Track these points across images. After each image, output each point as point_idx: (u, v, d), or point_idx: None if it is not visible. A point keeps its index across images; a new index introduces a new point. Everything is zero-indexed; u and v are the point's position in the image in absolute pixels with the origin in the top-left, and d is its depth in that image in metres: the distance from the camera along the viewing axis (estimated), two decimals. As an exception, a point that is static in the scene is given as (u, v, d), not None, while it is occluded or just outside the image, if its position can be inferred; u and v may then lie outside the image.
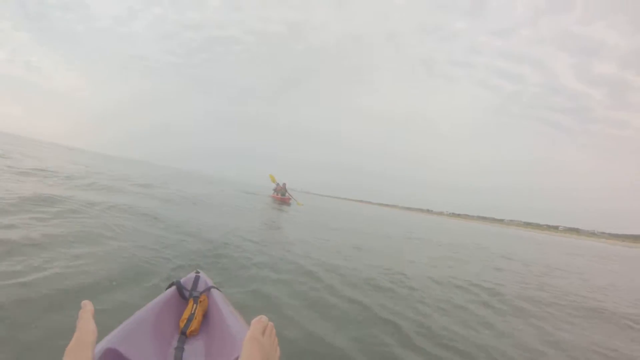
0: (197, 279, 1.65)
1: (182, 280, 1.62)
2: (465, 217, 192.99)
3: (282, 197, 16.70)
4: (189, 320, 1.43)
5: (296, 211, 12.87)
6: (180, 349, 1.30)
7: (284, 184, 17.34)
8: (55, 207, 4.22)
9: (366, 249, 6.06)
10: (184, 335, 1.38)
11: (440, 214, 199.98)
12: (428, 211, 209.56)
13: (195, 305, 1.49)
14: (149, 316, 1.29)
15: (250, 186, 37.08)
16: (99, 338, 0.89)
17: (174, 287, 1.55)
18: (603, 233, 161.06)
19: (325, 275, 3.60)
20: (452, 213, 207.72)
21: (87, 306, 0.83)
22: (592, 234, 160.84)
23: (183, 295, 1.55)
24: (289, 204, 15.90)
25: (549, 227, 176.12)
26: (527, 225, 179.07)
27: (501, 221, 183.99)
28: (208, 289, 1.59)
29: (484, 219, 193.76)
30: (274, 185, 17.78)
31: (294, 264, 3.87)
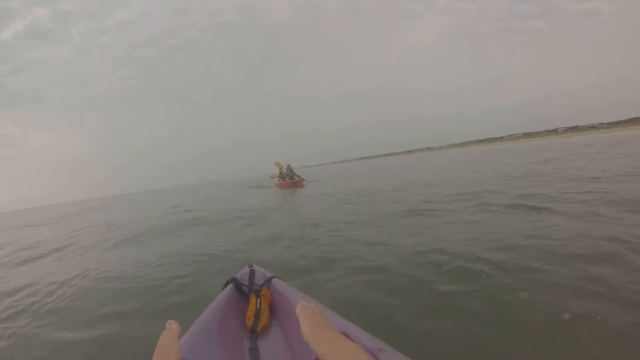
0: (252, 272, 1.56)
1: (237, 276, 1.53)
2: (465, 144, 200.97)
3: (292, 181, 15.31)
4: (256, 316, 1.33)
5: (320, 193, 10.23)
6: (254, 349, 1.21)
7: (288, 166, 16.03)
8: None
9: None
10: (255, 334, 1.29)
11: (440, 147, 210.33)
12: (428, 149, 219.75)
13: (258, 299, 1.39)
14: (214, 319, 1.21)
15: (243, 179, 36.55)
16: None
17: (231, 285, 1.47)
18: (601, 124, 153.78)
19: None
20: (452, 144, 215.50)
21: (173, 325, 0.80)
22: (592, 127, 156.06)
23: (242, 291, 1.47)
24: (302, 186, 14.49)
25: (548, 132, 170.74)
26: (526, 135, 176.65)
27: (500, 139, 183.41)
28: (269, 280, 1.49)
29: (482, 141, 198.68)
30: (276, 172, 16.73)
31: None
